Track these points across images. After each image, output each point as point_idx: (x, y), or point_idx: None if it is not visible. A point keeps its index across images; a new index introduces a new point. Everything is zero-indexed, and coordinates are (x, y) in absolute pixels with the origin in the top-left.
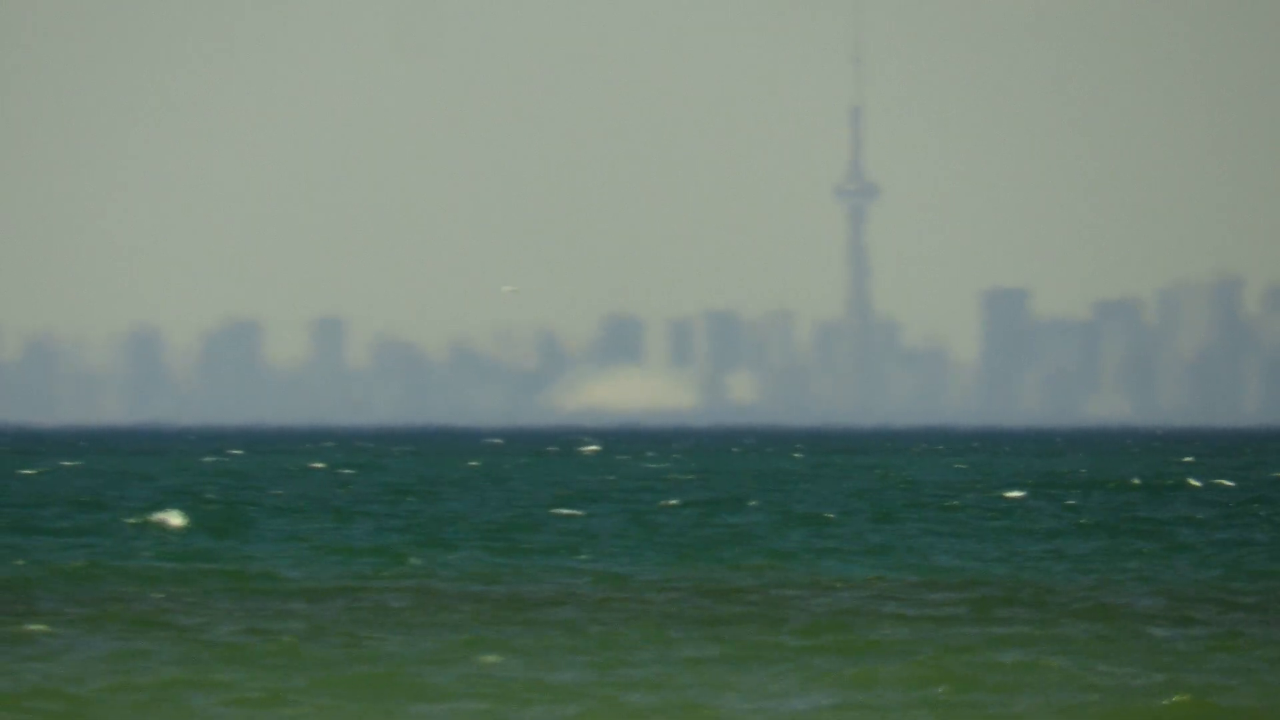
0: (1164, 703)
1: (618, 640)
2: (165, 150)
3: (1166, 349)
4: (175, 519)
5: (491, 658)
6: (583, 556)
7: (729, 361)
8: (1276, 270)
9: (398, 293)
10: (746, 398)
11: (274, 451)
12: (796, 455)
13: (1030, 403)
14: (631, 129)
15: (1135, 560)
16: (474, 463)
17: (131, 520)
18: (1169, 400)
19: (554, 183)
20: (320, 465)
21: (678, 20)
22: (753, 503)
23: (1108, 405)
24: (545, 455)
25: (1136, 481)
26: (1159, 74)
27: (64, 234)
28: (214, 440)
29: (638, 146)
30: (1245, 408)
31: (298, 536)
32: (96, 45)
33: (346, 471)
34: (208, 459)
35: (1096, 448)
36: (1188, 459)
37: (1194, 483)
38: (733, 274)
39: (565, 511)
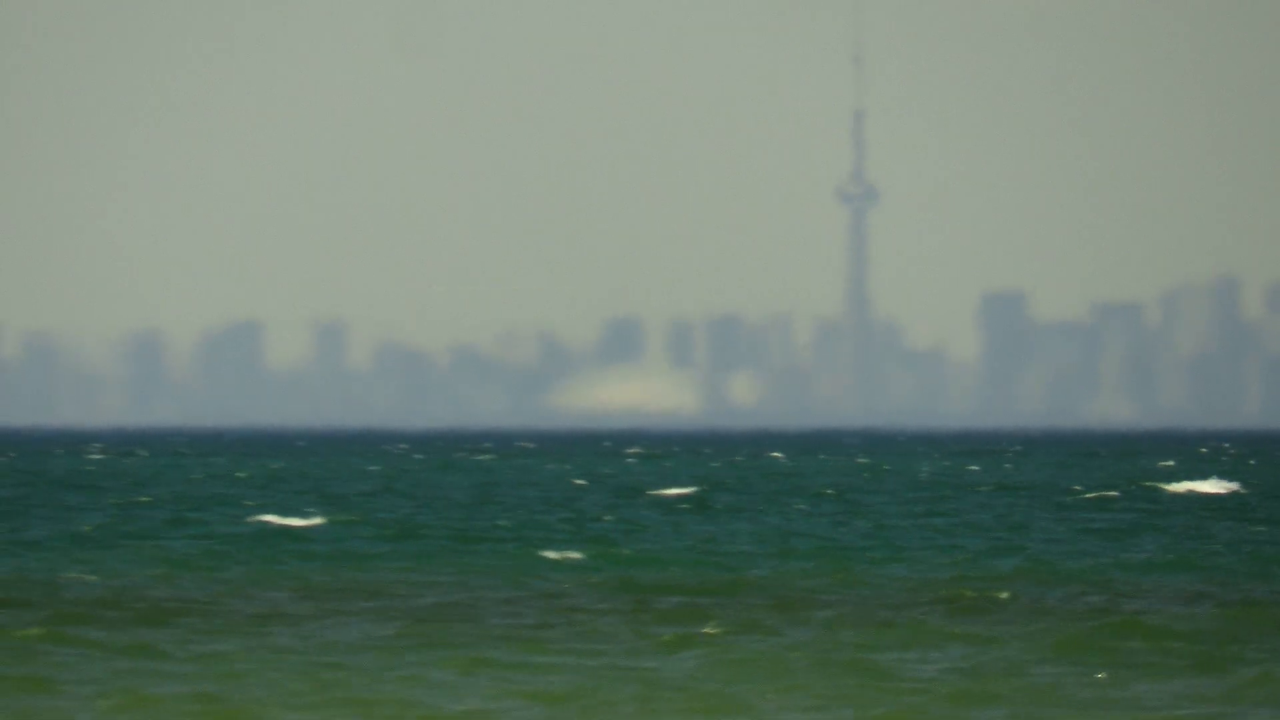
0: None
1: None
2: (165, 150)
3: (1167, 350)
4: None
5: None
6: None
7: (730, 363)
8: (1276, 271)
9: (398, 293)
10: (747, 399)
11: (350, 454)
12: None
13: (1030, 404)
14: (631, 129)
15: None
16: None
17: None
18: (1169, 402)
19: (554, 183)
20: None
21: (678, 20)
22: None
23: (1108, 407)
24: (617, 459)
25: None
26: (1159, 74)
27: (64, 234)
28: (212, 439)
29: (638, 146)
30: (1246, 409)
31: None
32: (96, 45)
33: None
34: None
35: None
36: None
37: None
38: (733, 275)
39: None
